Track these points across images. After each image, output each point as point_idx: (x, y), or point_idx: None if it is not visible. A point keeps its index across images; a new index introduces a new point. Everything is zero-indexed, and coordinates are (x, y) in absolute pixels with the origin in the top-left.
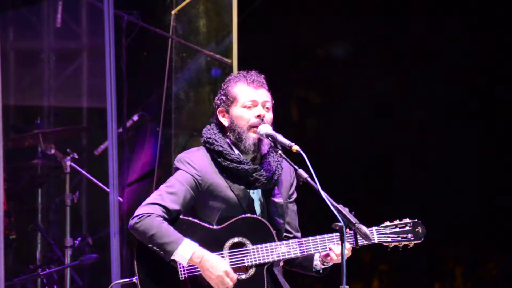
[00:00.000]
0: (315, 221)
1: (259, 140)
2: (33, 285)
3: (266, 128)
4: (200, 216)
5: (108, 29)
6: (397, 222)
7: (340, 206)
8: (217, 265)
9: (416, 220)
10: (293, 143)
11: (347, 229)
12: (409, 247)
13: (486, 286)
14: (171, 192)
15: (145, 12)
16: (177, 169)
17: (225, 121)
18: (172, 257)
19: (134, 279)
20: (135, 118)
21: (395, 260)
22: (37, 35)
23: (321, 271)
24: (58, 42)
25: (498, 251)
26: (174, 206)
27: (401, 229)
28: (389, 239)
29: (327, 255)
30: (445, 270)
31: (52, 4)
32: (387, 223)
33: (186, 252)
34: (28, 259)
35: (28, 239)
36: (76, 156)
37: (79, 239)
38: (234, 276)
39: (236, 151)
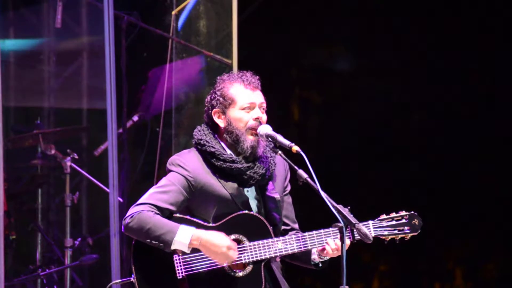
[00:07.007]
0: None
1: (257, 143)
2: (33, 285)
3: (266, 129)
4: (195, 215)
5: (108, 30)
6: (393, 215)
7: (340, 207)
8: (218, 242)
9: (412, 212)
10: (293, 144)
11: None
12: (406, 239)
13: (486, 286)
14: (161, 192)
15: (145, 12)
16: (170, 171)
17: (221, 122)
18: (172, 247)
19: (132, 279)
20: (135, 118)
21: (395, 260)
22: (37, 36)
23: (320, 265)
24: (58, 42)
25: (498, 251)
26: (165, 204)
27: (397, 222)
28: (386, 232)
29: (324, 249)
30: (445, 270)
31: (52, 4)
32: (384, 216)
33: (184, 237)
34: (28, 259)
35: (28, 239)
36: (76, 157)
37: (79, 239)
38: (236, 248)
39: (229, 151)
